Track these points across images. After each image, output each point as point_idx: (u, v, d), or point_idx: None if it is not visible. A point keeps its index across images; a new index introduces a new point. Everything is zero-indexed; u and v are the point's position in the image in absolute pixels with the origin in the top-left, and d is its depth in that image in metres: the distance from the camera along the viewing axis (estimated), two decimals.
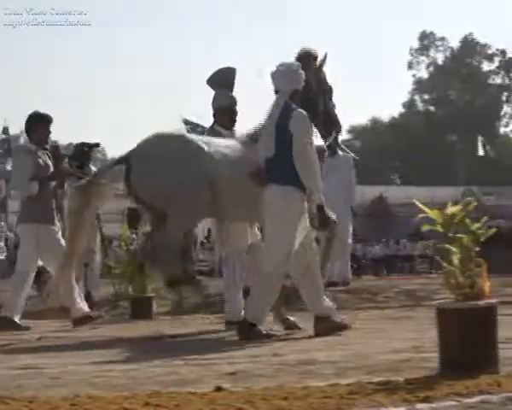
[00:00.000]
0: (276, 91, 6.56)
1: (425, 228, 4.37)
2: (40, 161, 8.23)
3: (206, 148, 6.93)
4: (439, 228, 4.28)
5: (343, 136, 53.84)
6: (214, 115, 8.16)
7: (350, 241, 11.74)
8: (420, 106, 57.99)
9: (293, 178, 6.34)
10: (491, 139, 65.04)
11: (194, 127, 10.65)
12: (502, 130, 66.74)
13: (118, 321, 9.14)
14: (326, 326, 6.63)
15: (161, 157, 6.81)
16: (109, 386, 4.13)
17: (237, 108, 8.19)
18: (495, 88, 61.13)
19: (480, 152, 65.19)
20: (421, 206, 4.40)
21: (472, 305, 4.09)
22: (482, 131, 62.95)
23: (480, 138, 64.42)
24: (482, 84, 54.77)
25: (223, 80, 8.01)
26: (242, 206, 6.95)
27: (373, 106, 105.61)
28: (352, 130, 62.89)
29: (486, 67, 54.51)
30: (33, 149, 8.26)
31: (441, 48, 56.00)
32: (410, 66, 57.26)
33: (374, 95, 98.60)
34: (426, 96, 56.51)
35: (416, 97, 58.17)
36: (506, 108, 63.96)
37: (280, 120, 6.41)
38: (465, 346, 4.05)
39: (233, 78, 8.09)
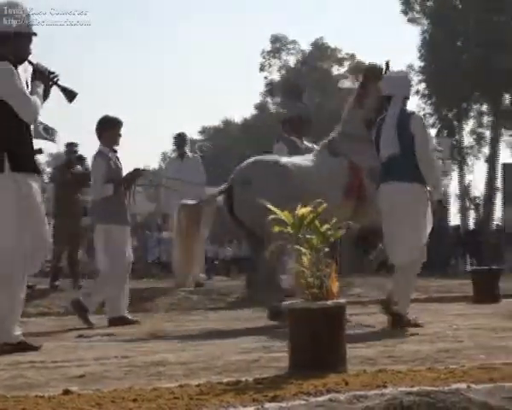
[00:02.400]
0: (389, 97, 7.18)
1: (276, 229, 4.43)
2: (111, 163, 8.46)
3: (295, 170, 7.64)
4: (289, 229, 4.35)
5: (195, 136, 53.99)
6: (282, 123, 9.10)
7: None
8: (272, 108, 58.80)
9: (419, 176, 6.91)
10: None
11: None
12: None
13: None
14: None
15: (259, 184, 7.39)
16: None
17: (310, 116, 9.17)
18: (346, 91, 62.56)
19: None
20: (271, 207, 4.45)
21: (320, 305, 4.18)
22: None
23: None
24: (332, 88, 56.10)
25: (292, 91, 8.38)
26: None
27: (225, 108, 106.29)
28: (203, 130, 63.07)
29: (336, 70, 55.85)
30: (106, 152, 8.47)
31: (293, 51, 57.02)
32: (262, 68, 57.98)
33: (226, 97, 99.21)
34: (278, 99, 57.38)
35: (268, 99, 58.94)
36: None
37: (400, 122, 7.00)
38: (314, 345, 4.13)
39: (301, 88, 8.52)
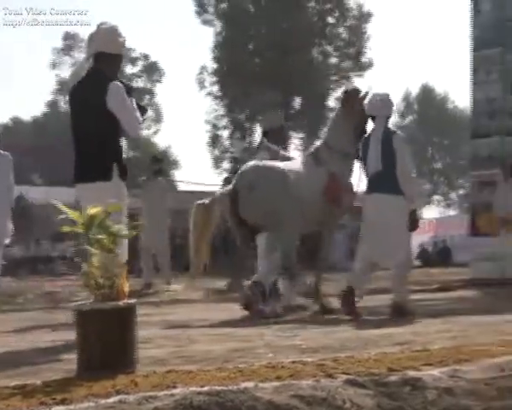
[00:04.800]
0: (373, 116, 8.16)
1: (66, 229, 4.35)
2: None
3: (287, 174, 8.50)
4: (79, 229, 4.28)
5: None
6: (264, 134, 9.72)
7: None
8: (63, 106, 57.61)
9: (400, 189, 7.82)
10: None
11: None
12: None
13: None
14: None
15: (263, 187, 8.32)
16: None
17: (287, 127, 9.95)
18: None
19: None
20: (61, 206, 4.37)
21: (110, 306, 4.15)
22: None
23: None
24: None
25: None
26: (312, 220, 8.61)
27: (14, 106, 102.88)
28: None
29: (129, 70, 55.50)
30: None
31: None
32: (53, 66, 56.72)
33: (15, 94, 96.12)
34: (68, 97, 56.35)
35: (60, 97, 57.72)
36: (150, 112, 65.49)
37: (384, 140, 7.92)
38: (104, 347, 4.09)
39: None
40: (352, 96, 8.97)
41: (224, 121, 41.16)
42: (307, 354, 4.76)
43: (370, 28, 42.51)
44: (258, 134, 40.52)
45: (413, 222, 7.92)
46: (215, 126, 41.53)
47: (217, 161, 42.07)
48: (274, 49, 36.34)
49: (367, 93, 8.73)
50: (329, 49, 41.12)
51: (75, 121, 6.34)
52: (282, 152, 9.41)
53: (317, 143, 9.31)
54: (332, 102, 39.82)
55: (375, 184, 7.98)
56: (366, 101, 8.58)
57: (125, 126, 6.22)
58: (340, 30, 41.68)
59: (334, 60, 41.51)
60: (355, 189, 8.86)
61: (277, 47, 36.09)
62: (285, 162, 8.89)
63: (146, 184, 14.66)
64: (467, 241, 16.20)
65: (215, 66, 40.10)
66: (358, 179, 8.60)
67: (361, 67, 41.36)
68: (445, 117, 63.05)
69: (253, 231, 8.58)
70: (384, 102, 8.23)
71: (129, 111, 6.21)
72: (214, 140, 41.82)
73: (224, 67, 39.27)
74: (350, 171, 8.87)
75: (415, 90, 67.23)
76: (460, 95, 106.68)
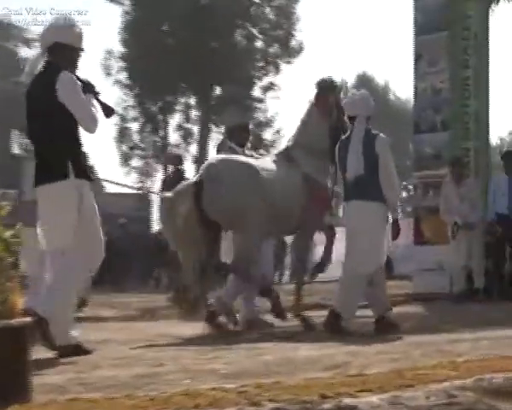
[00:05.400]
0: (352, 117, 8.43)
1: None
2: None
3: (260, 172, 8.74)
4: None
5: None
6: (227, 132, 10.14)
7: None
8: None
9: (381, 195, 8.16)
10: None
11: None
12: None
13: None
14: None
15: (231, 181, 8.52)
16: None
17: (250, 124, 10.32)
18: None
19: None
20: None
21: (3, 324, 4.09)
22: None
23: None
24: (17, 70, 54.93)
25: (234, 98, 8.59)
26: (280, 222, 8.91)
27: None
28: None
29: (24, 52, 54.96)
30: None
31: None
32: None
33: None
34: None
35: None
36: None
37: (365, 143, 8.22)
38: None
39: (243, 95, 8.90)
40: (328, 89, 9.30)
41: (134, 113, 40.86)
42: (229, 380, 4.78)
43: (300, 9, 42.92)
44: (172, 127, 40.49)
45: (396, 231, 8.35)
46: (123, 119, 41.23)
47: (125, 158, 41.72)
48: (191, 32, 36.20)
49: (342, 86, 9.00)
50: (254, 31, 41.22)
51: (30, 120, 6.68)
52: (247, 154, 9.64)
53: (288, 141, 9.65)
54: (258, 92, 40.04)
55: (354, 190, 8.29)
56: (342, 98, 9.01)
57: (78, 119, 6.54)
58: (267, 10, 41.86)
59: (259, 44, 41.62)
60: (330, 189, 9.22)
61: (195, 29, 35.97)
62: (256, 159, 9.19)
63: None
64: (409, 250, 16.28)
65: (123, 50, 39.81)
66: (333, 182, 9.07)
67: (290, 52, 41.56)
68: (385, 110, 63.86)
69: (216, 231, 8.72)
70: (365, 100, 8.58)
71: (81, 104, 6.51)
72: (122, 134, 41.51)
73: (133, 52, 38.99)
74: (325, 172, 9.18)
75: (351, 80, 68.02)
76: (402, 85, 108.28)
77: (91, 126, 6.68)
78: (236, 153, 9.33)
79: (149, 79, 37.73)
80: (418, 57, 15.02)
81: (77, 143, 6.70)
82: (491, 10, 15.18)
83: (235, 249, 8.86)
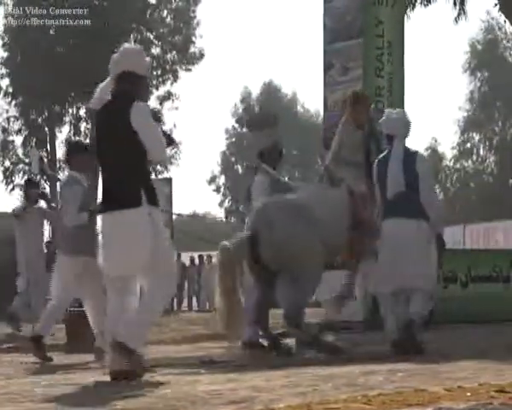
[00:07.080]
0: (390, 136, 9.08)
1: None
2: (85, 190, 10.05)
3: (311, 208, 9.22)
4: None
5: None
6: (260, 156, 10.68)
7: None
8: None
9: (423, 213, 8.83)
10: None
11: None
12: None
13: None
14: None
15: (284, 226, 9.00)
16: None
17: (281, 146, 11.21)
18: None
19: None
20: None
21: None
22: None
23: None
24: None
25: (263, 122, 8.89)
26: (333, 253, 9.81)
27: None
28: None
29: None
30: (79, 178, 10.01)
31: None
32: None
33: None
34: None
35: None
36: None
37: (405, 161, 8.90)
38: None
39: (273, 118, 9.33)
40: (362, 102, 10.06)
41: (18, 124, 40.42)
42: None
43: (201, 12, 43.06)
44: (61, 142, 40.05)
45: (441, 248, 9.03)
46: (5, 131, 40.74)
47: (8, 175, 41.20)
48: (81, 36, 35.95)
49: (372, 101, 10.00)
50: (151, 36, 41.16)
51: (101, 146, 7.24)
52: (279, 176, 10.36)
53: (326, 160, 10.35)
54: (154, 102, 39.88)
55: (395, 208, 8.90)
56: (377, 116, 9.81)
57: (149, 148, 7.04)
58: (164, 14, 41.88)
59: (156, 50, 41.56)
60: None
61: (85, 33, 35.71)
62: (298, 192, 9.84)
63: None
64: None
65: (5, 55, 39.38)
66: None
67: (189, 59, 41.68)
68: (292, 122, 64.25)
69: (273, 274, 9.16)
70: (403, 121, 9.21)
71: (154, 133, 7.07)
72: (4, 148, 41.00)
73: (16, 57, 38.59)
74: (362, 181, 9.74)
75: (256, 90, 68.47)
76: (311, 96, 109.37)
77: (161, 155, 7.60)
78: (272, 175, 10.27)
79: (34, 88, 37.32)
80: (329, 66, 15.05)
81: (147, 170, 7.36)
82: (406, 17, 15.40)
83: (285, 293, 9.14)
